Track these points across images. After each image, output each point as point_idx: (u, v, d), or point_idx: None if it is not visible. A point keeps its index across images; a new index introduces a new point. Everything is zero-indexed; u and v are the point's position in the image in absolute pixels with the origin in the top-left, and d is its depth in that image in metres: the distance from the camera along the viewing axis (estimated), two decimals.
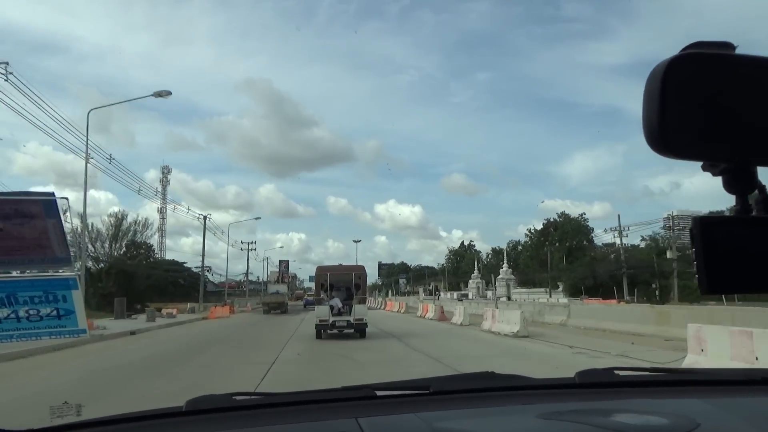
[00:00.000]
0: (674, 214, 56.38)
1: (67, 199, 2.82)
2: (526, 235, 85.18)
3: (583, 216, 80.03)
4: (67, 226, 3.04)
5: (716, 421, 1.26)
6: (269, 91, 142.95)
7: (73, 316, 3.01)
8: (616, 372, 1.68)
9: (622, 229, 51.49)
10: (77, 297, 3.01)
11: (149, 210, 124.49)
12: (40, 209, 2.88)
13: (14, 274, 3.03)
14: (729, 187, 0.79)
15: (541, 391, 1.59)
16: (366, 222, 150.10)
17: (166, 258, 72.91)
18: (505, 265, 74.62)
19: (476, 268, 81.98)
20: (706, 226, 0.76)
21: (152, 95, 24.00)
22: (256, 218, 51.87)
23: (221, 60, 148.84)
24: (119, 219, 55.81)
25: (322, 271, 18.94)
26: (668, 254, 50.95)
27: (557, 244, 74.09)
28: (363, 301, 18.03)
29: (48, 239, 2.89)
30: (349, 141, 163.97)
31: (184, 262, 70.64)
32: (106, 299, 36.34)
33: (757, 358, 7.60)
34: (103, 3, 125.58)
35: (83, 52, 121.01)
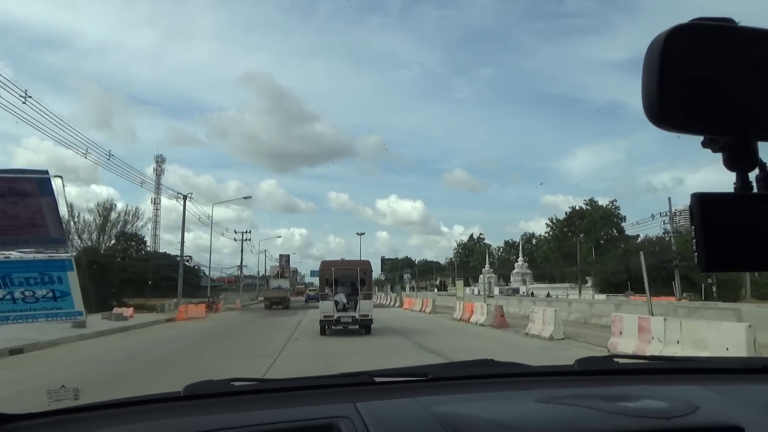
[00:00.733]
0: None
1: (61, 177, 2.83)
2: (547, 225, 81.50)
3: (614, 203, 74.56)
4: (61, 210, 3.06)
5: (715, 406, 1.27)
6: (270, 86, 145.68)
7: (69, 298, 3.02)
8: (616, 359, 1.72)
9: (674, 214, 46.48)
10: (73, 279, 3.02)
11: (150, 204, 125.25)
12: (35, 187, 2.89)
13: (14, 254, 3.05)
14: (729, 163, 0.78)
15: (540, 377, 1.61)
16: (367, 217, 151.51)
17: (161, 251, 70.13)
18: (520, 259, 72.12)
19: (487, 262, 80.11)
20: (705, 203, 0.76)
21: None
22: (246, 197, 52.40)
23: (223, 55, 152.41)
24: (107, 209, 53.04)
25: (326, 265, 19.05)
26: None
27: (582, 235, 69.02)
28: (368, 297, 18.07)
29: (42, 218, 2.89)
30: (350, 136, 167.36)
31: (177, 255, 68.50)
32: None
33: None
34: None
35: (85, 48, 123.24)
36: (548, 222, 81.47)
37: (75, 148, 27.21)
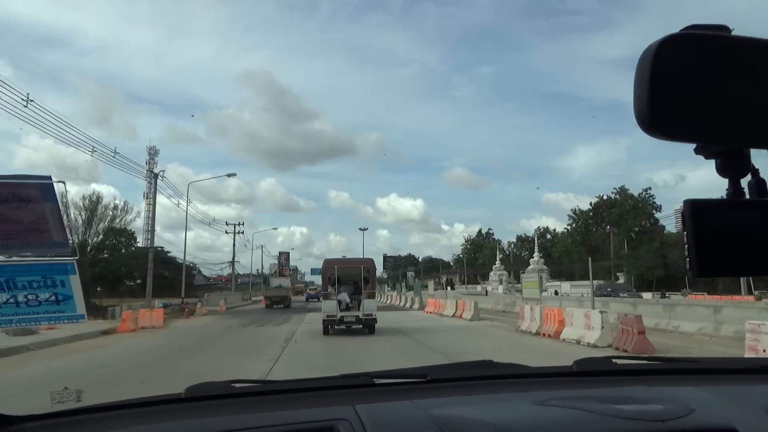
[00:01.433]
0: None
1: (64, 183, 2.94)
2: (569, 216, 75.52)
3: (648, 192, 67.47)
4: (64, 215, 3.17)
5: (711, 408, 1.30)
6: (270, 84, 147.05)
7: (72, 302, 3.14)
8: (614, 360, 1.74)
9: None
10: (75, 282, 3.15)
11: (147, 202, 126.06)
12: (38, 193, 3.00)
13: (14, 258, 3.17)
14: (722, 170, 0.81)
15: (539, 379, 1.64)
16: (368, 215, 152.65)
17: (159, 247, 66.97)
18: (536, 254, 66.06)
19: (498, 258, 76.10)
20: (697, 209, 0.78)
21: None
22: (230, 174, 44.83)
23: (223, 54, 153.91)
24: (94, 202, 49.06)
25: (329, 264, 18.94)
26: None
27: (608, 228, 63.78)
28: (372, 296, 17.98)
29: (45, 223, 3.01)
30: (351, 134, 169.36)
31: (168, 251, 62.78)
32: None
33: None
34: None
35: (86, 46, 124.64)
36: (570, 213, 75.94)
37: (77, 146, 27.18)
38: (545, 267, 65.15)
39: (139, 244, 60.92)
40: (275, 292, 41.60)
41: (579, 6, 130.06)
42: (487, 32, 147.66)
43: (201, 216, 62.69)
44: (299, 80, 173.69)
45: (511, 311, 26.79)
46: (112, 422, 1.33)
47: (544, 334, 15.07)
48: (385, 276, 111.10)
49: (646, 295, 39.65)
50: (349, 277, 18.44)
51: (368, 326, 16.94)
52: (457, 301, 26.96)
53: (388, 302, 47.69)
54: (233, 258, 58.05)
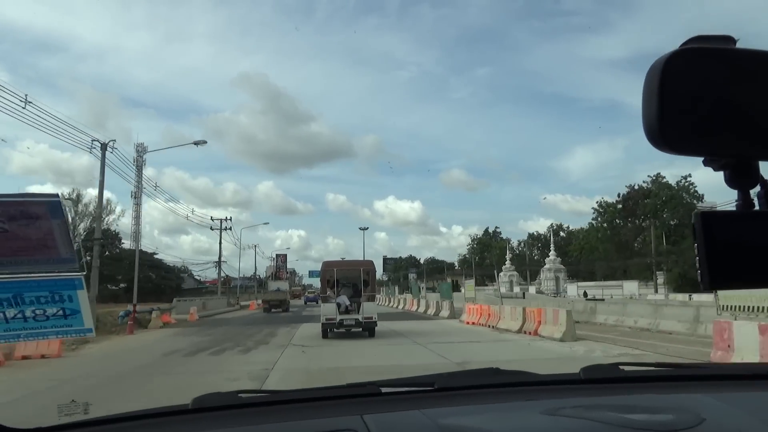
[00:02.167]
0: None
1: (71, 200, 3.08)
2: (594, 210, 68.62)
3: (687, 179, 60.34)
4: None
5: (721, 416, 1.31)
6: (267, 87, 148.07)
7: (79, 316, 3.30)
8: (621, 367, 1.73)
9: None
10: (83, 297, 3.30)
11: (147, 208, 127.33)
12: (45, 210, 3.16)
13: (22, 274, 3.32)
14: (731, 181, 0.82)
15: (546, 387, 1.65)
16: (366, 218, 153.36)
17: (143, 251, 63.33)
18: (552, 253, 62.75)
19: (508, 258, 72.47)
20: (707, 221, 0.80)
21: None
22: (198, 142, 32.38)
23: (220, 58, 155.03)
24: (73, 201, 45.75)
25: (328, 266, 18.86)
26: None
27: (644, 221, 59.72)
28: (372, 299, 18.04)
29: (53, 240, 3.17)
30: (348, 137, 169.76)
31: (155, 253, 61.21)
32: None
33: None
34: (102, 2, 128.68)
35: (83, 51, 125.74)
36: (595, 207, 68.60)
37: (74, 150, 26.79)
38: (562, 266, 61.15)
39: (125, 246, 59.37)
40: (273, 295, 41.55)
41: (575, 7, 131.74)
42: (483, 34, 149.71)
43: (198, 219, 60.92)
44: (295, 83, 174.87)
45: (592, 321, 20.70)
46: None
47: None
48: (385, 278, 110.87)
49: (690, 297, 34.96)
50: (349, 280, 18.45)
51: (368, 329, 16.95)
52: (525, 310, 18.22)
53: (399, 307, 41.82)
54: (219, 257, 52.25)
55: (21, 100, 19.90)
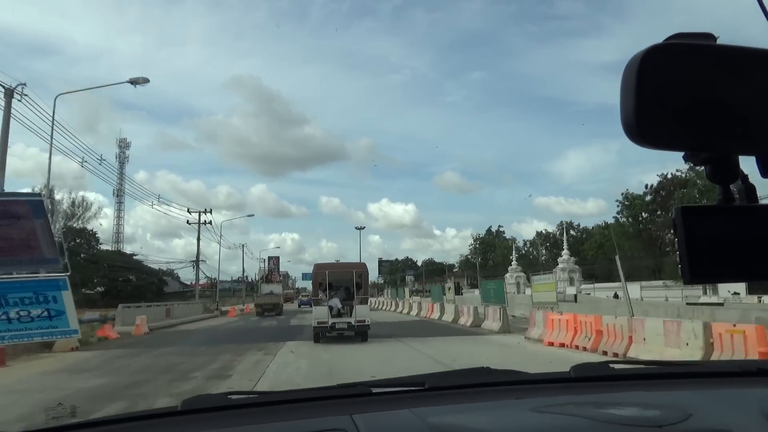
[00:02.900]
0: None
1: (52, 200, 3.14)
2: (618, 203, 63.16)
3: None
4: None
5: (708, 412, 1.35)
6: (260, 90, 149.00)
7: (64, 317, 3.36)
8: (611, 365, 1.78)
9: None
10: (67, 297, 3.36)
11: (140, 212, 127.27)
12: (28, 210, 3.22)
13: (5, 276, 3.37)
14: (712, 176, 0.84)
15: (537, 385, 1.68)
16: (359, 221, 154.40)
17: (126, 251, 63.14)
18: (565, 252, 58.76)
19: (514, 258, 69.06)
20: (688, 216, 0.82)
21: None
22: (134, 80, 22.12)
23: (213, 61, 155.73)
24: (45, 197, 42.97)
25: (319, 268, 18.70)
26: None
27: (670, 215, 52.34)
28: (365, 302, 17.89)
29: (36, 240, 3.23)
30: (341, 140, 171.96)
31: (134, 254, 59.71)
32: None
33: None
34: (95, 5, 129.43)
35: (76, 54, 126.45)
36: (620, 200, 63.14)
37: (66, 154, 26.04)
38: (577, 266, 56.83)
39: (103, 247, 57.41)
40: (266, 299, 41.36)
41: (568, 11, 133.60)
42: (477, 38, 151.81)
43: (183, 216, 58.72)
44: (289, 86, 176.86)
45: None
46: None
47: None
48: (381, 281, 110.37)
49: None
50: (341, 282, 18.41)
51: (361, 333, 16.91)
52: (707, 326, 10.60)
53: (413, 313, 34.05)
54: (197, 256, 46.30)
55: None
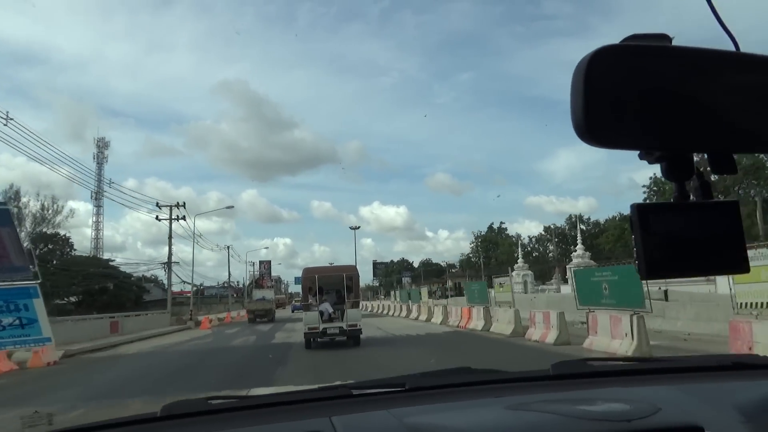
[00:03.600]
0: None
1: (19, 207, 3.19)
2: (646, 188, 57.45)
3: None
4: None
5: (678, 407, 1.40)
6: (248, 95, 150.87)
7: (37, 325, 3.43)
8: (589, 363, 1.85)
9: None
10: (39, 305, 3.43)
11: (130, 220, 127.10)
12: None
13: None
14: (667, 173, 0.87)
15: (516, 383, 1.73)
16: (351, 224, 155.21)
17: (104, 257, 60.75)
18: (579, 247, 54.65)
19: (520, 256, 64.41)
20: (644, 213, 0.85)
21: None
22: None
23: (200, 66, 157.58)
24: (10, 200, 37.31)
25: (309, 273, 18.64)
26: None
27: (721, 196, 41.57)
28: (356, 305, 17.90)
29: (4, 248, 3.30)
30: (332, 143, 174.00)
31: (111, 260, 57.09)
32: None
33: None
34: (82, 13, 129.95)
35: (62, 62, 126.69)
36: (647, 186, 57.84)
37: (51, 164, 25.65)
38: (593, 262, 50.11)
39: (78, 253, 54.29)
40: (258, 305, 40.14)
41: (555, 11, 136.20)
42: (465, 39, 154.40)
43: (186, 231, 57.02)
44: (277, 90, 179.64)
45: None
46: None
47: None
48: (376, 284, 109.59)
49: None
50: (331, 286, 18.42)
51: (353, 338, 16.97)
52: None
53: (434, 320, 27.61)
54: (169, 257, 41.88)
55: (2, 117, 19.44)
